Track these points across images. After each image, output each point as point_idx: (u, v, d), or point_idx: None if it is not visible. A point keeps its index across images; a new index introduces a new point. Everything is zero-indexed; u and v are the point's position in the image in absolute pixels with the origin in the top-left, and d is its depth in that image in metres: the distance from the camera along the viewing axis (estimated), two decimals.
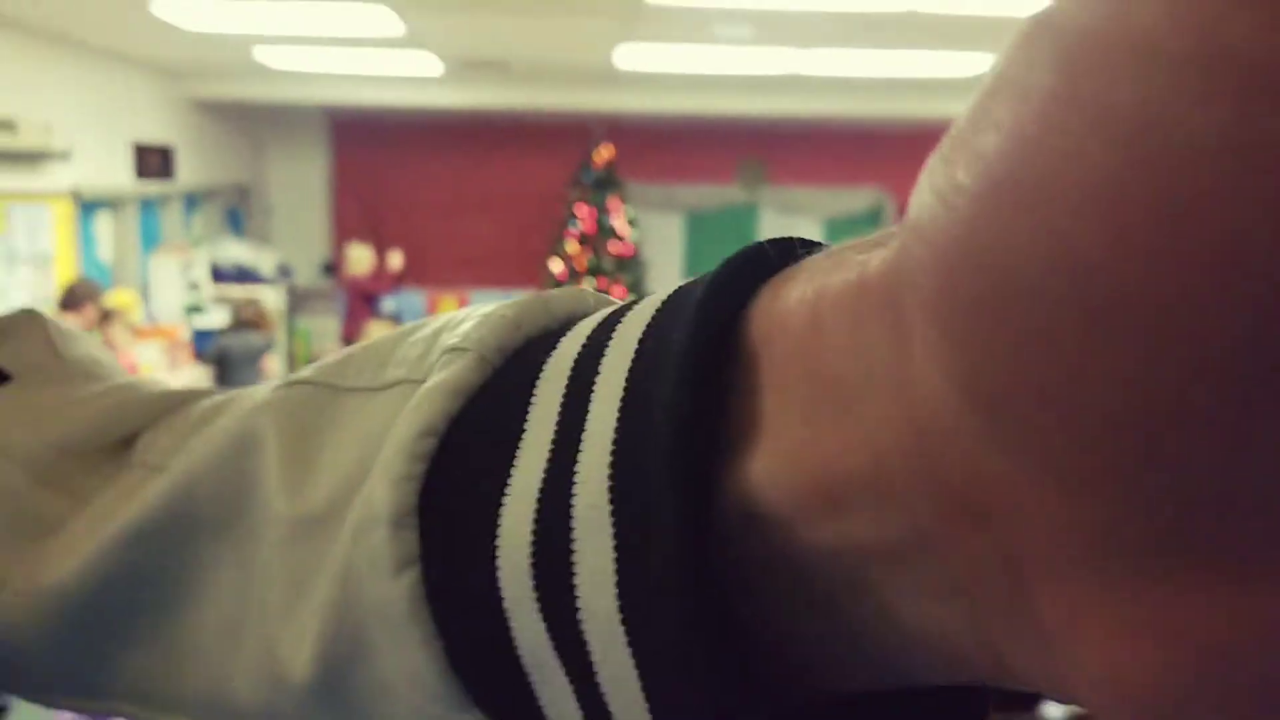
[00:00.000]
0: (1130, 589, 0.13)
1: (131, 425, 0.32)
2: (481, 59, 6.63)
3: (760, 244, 0.20)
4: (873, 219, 9.75)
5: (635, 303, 0.22)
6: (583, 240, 8.94)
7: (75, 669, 0.30)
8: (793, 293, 0.18)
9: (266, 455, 0.25)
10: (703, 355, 0.18)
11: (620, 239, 9.11)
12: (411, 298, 8.54)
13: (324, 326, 8.09)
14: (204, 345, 6.31)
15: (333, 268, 9.22)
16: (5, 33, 5.27)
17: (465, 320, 0.24)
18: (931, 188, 0.14)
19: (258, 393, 0.28)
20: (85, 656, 0.29)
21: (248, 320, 6.00)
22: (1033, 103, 0.13)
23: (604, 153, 8.92)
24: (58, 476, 0.31)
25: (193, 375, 5.94)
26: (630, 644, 0.18)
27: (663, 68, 6.67)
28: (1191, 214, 0.11)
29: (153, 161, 7.12)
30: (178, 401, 0.32)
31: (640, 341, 0.20)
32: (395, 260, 7.56)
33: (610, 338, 0.21)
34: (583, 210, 8.95)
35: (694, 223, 10.02)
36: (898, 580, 0.16)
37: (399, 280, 7.60)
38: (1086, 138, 0.12)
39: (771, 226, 9.98)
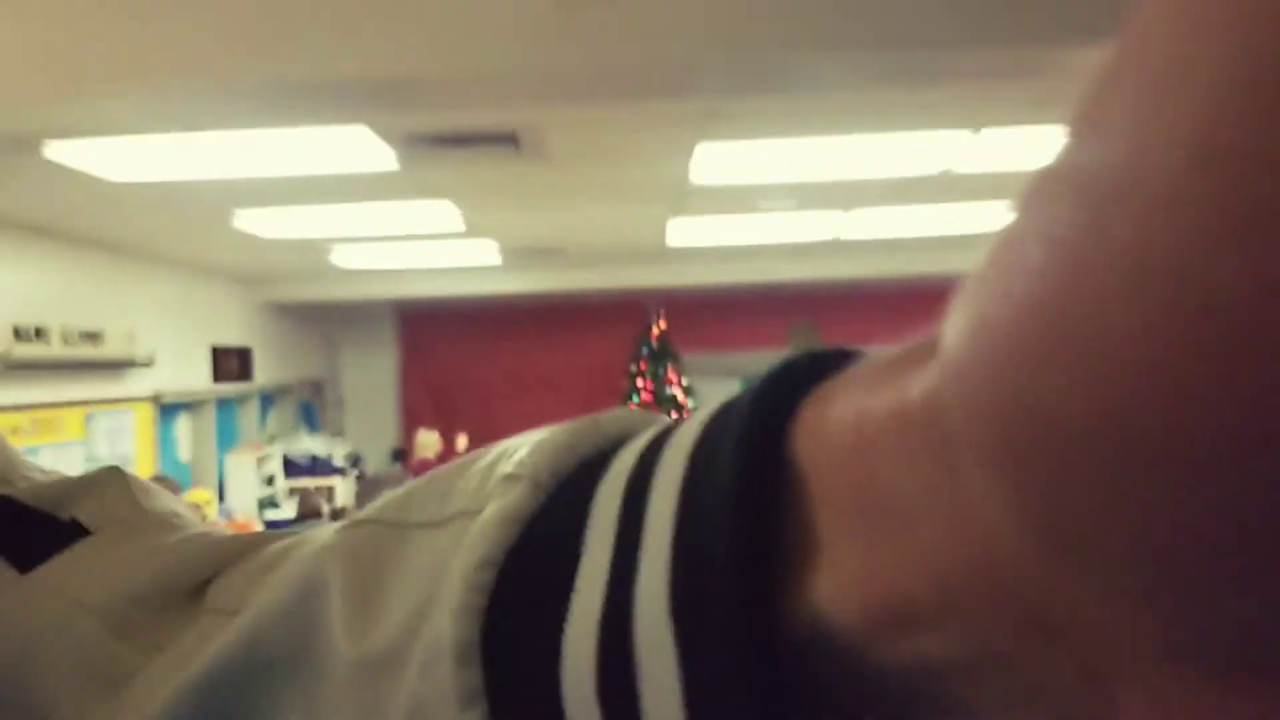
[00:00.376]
0: (1209, 689, 0.13)
1: (204, 571, 0.32)
2: (538, 247, 6.88)
3: (796, 359, 0.20)
4: None
5: (682, 421, 0.22)
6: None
7: None
8: (835, 412, 0.18)
9: (331, 598, 0.26)
10: (751, 474, 0.19)
11: (679, 406, 9.25)
12: None
13: None
14: None
15: (402, 454, 9.40)
16: (91, 251, 5.60)
17: (520, 447, 0.24)
18: (964, 329, 0.14)
19: (324, 534, 0.29)
20: None
21: (309, 513, 6.13)
22: (1060, 250, 0.13)
23: (660, 326, 9.12)
24: (132, 627, 0.32)
25: None
26: None
27: (711, 241, 6.86)
28: (1237, 363, 0.11)
29: (230, 363, 7.42)
30: (249, 546, 0.33)
31: (690, 461, 0.20)
32: (462, 443, 7.69)
33: (660, 459, 0.21)
34: (642, 382, 9.10)
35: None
36: (973, 690, 0.17)
37: None
38: (1118, 287, 0.12)
39: None
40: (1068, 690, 0.15)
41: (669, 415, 0.26)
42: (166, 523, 0.36)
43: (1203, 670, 0.13)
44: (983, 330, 0.14)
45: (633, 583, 0.19)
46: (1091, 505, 0.13)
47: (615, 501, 0.21)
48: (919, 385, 0.16)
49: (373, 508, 0.28)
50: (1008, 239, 0.14)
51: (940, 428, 0.15)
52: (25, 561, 0.34)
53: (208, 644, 0.29)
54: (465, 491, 0.25)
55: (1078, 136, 0.13)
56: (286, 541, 0.32)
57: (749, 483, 0.18)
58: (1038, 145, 4.21)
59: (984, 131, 4.04)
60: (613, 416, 0.24)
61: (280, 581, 0.28)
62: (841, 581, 0.17)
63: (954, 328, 0.15)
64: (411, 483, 0.28)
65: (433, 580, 0.23)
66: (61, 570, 0.34)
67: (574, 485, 0.22)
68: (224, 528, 0.37)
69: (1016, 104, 3.58)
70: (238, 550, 0.33)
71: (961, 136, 4.11)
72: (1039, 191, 0.14)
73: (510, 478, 0.23)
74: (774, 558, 0.18)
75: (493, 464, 0.25)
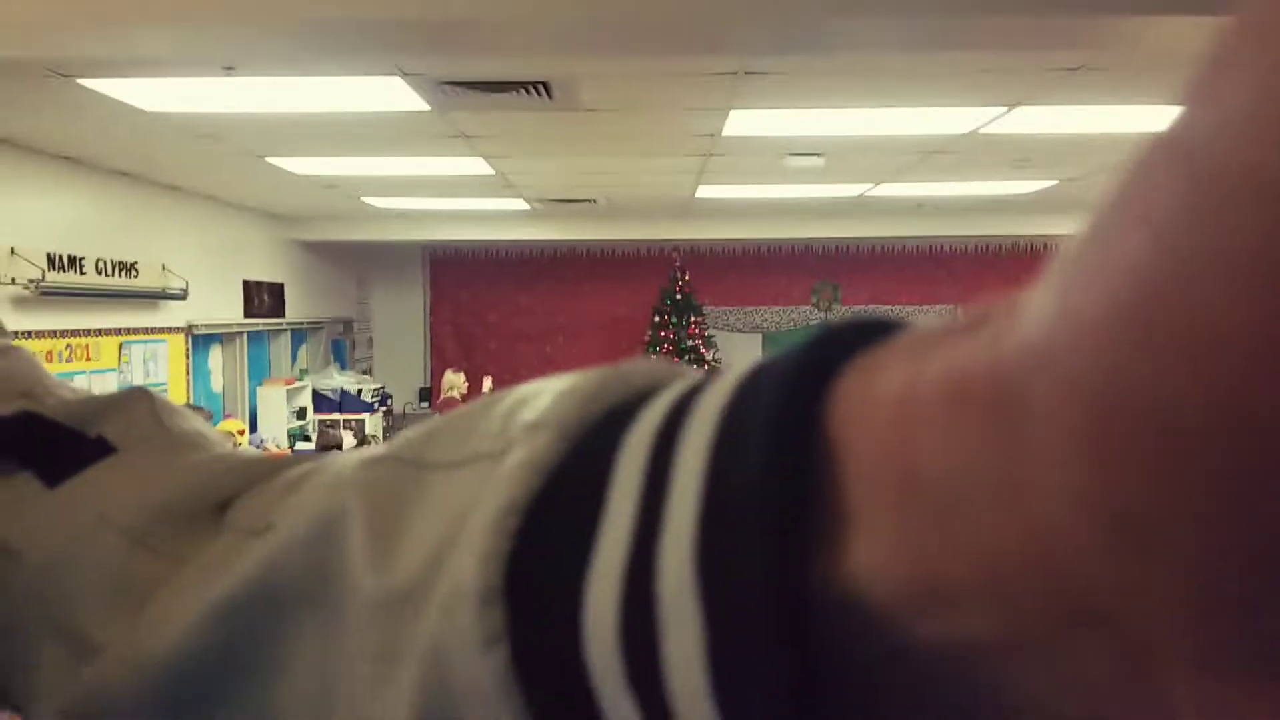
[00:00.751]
0: (1263, 686, 0.13)
1: (229, 490, 0.33)
2: (567, 198, 6.90)
3: (839, 325, 0.20)
4: None
5: (712, 379, 0.22)
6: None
7: None
8: (880, 383, 0.18)
9: (352, 532, 0.26)
10: (788, 439, 0.18)
11: (700, 358, 9.27)
12: None
13: None
14: None
15: (429, 394, 9.52)
16: (127, 183, 5.69)
17: (543, 394, 0.24)
18: (1059, 310, 0.14)
19: (346, 465, 0.29)
20: None
21: (330, 445, 6.25)
22: (1170, 236, 0.12)
23: (684, 279, 9.14)
24: (156, 539, 0.32)
25: None
26: None
27: (738, 198, 6.85)
28: None
29: (262, 298, 7.53)
30: (272, 466, 0.33)
31: (721, 420, 0.20)
32: (487, 385, 7.77)
33: (691, 415, 0.20)
34: (664, 333, 9.13)
35: (771, 342, 10.13)
36: (1014, 673, 0.16)
37: None
38: (1237, 278, 0.12)
39: None
40: (1108, 680, 0.15)
41: (690, 366, 0.26)
42: (191, 441, 0.37)
43: (1262, 675, 0.13)
44: (1082, 314, 0.14)
45: (657, 536, 0.19)
46: (1185, 503, 0.13)
47: (642, 454, 0.21)
48: (983, 360, 0.16)
49: (392, 445, 0.28)
50: (1109, 217, 0.14)
51: (1010, 406, 0.15)
52: (53, 476, 0.35)
53: (230, 565, 0.29)
54: (486, 434, 0.25)
55: (1191, 111, 0.13)
56: (308, 465, 0.32)
57: (785, 446, 0.18)
58: (1072, 117, 4.20)
59: (1018, 109, 4.00)
60: (639, 368, 0.24)
61: (300, 512, 0.28)
62: (878, 556, 0.17)
63: (1044, 307, 0.14)
64: (431, 422, 0.28)
65: (454, 521, 0.23)
66: (88, 485, 0.35)
67: (600, 436, 0.22)
68: (248, 448, 0.43)
69: (1053, 74, 3.55)
70: (261, 470, 0.33)
71: (994, 112, 4.08)
72: (1143, 169, 0.13)
73: (536, 425, 0.23)
74: (805, 525, 0.18)
75: (513, 408, 0.25)
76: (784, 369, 0.19)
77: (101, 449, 0.36)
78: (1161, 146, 0.13)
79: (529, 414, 0.24)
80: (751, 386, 0.20)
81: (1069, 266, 0.14)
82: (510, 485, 0.22)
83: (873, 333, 0.20)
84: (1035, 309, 0.15)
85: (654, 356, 0.26)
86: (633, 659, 0.19)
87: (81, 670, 0.32)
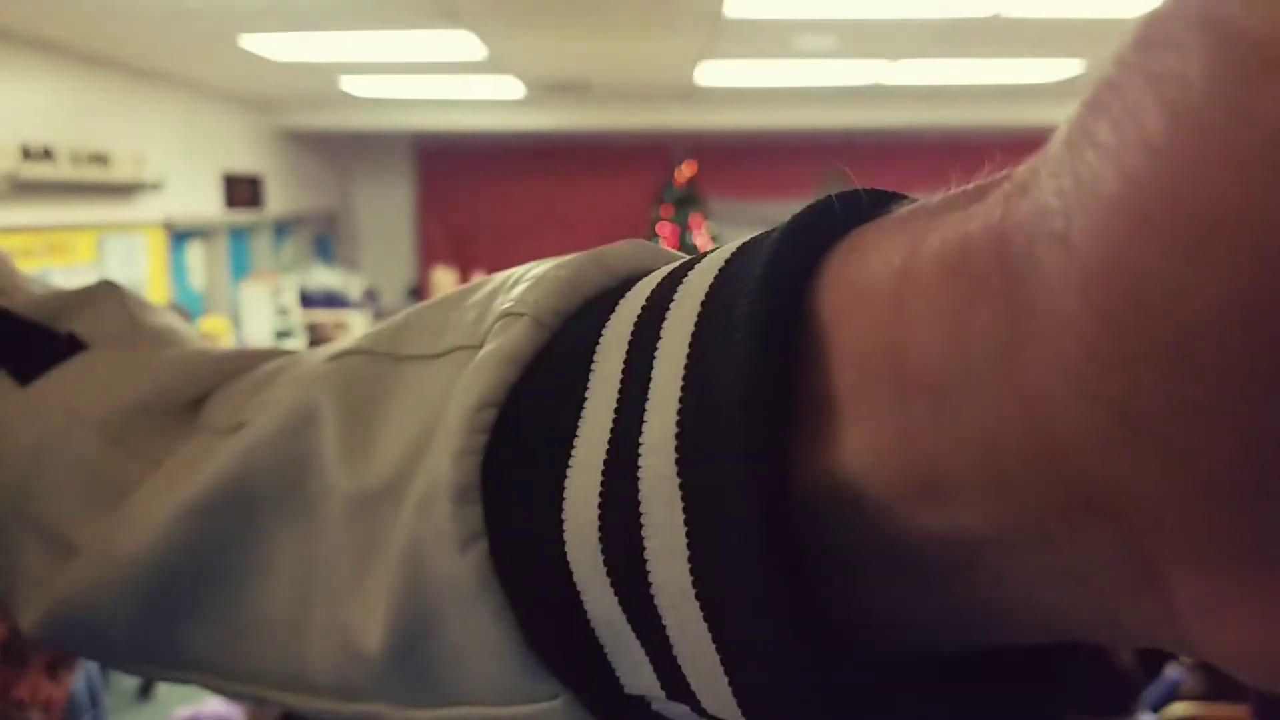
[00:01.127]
0: (1265, 576, 0.13)
1: (202, 386, 0.32)
2: (563, 81, 6.66)
3: (830, 198, 0.18)
4: None
5: (699, 259, 0.20)
6: None
7: (149, 639, 0.30)
8: (871, 260, 0.17)
9: (324, 429, 0.25)
10: (770, 322, 0.17)
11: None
12: None
13: None
14: None
15: (418, 291, 9.35)
16: (97, 70, 5.44)
17: (520, 282, 0.23)
18: (1071, 192, 0.13)
19: (317, 359, 0.28)
20: (158, 626, 0.29)
21: (322, 341, 6.13)
22: (1191, 118, 0.12)
23: (686, 170, 8.91)
24: (129, 437, 0.32)
25: None
26: (706, 617, 0.18)
27: (744, 83, 6.62)
28: None
29: (242, 191, 7.29)
30: (246, 362, 0.32)
31: (704, 304, 0.19)
32: None
33: (672, 300, 0.19)
34: (665, 229, 8.95)
35: None
36: (1010, 564, 0.16)
37: None
38: (1267, 165, 0.11)
39: None
40: (1106, 572, 0.15)
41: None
42: (162, 338, 0.36)
43: (1261, 566, 0.13)
44: (1098, 192, 0.13)
45: (639, 429, 0.19)
46: (1192, 395, 0.12)
47: (623, 343, 0.20)
48: (986, 234, 0.15)
49: (365, 336, 0.27)
50: (1124, 87, 0.12)
51: (1016, 283, 0.14)
52: (24, 373, 0.34)
53: (202, 464, 0.28)
54: (462, 324, 0.24)
55: None
56: (281, 360, 0.31)
57: (767, 332, 0.17)
58: None
59: None
60: (619, 251, 0.23)
61: (271, 409, 0.27)
62: (871, 448, 0.16)
63: (1055, 182, 0.13)
64: (405, 312, 0.27)
65: (429, 415, 0.23)
66: (59, 383, 0.34)
67: (578, 324, 0.21)
68: (220, 343, 0.35)
69: None
70: (234, 365, 0.32)
71: None
72: (1158, 38, 0.12)
73: (510, 314, 0.22)
74: (791, 416, 0.17)
75: (490, 296, 0.24)
76: (770, 249, 0.18)
77: (73, 346, 0.35)
78: (1182, 12, 0.12)
79: (504, 304, 0.23)
80: (737, 269, 0.19)
81: (1079, 141, 0.13)
82: (484, 378, 0.21)
83: (868, 206, 0.19)
84: (1044, 183, 0.14)
85: (640, 241, 0.24)
86: (614, 554, 0.19)
87: (60, 571, 0.31)
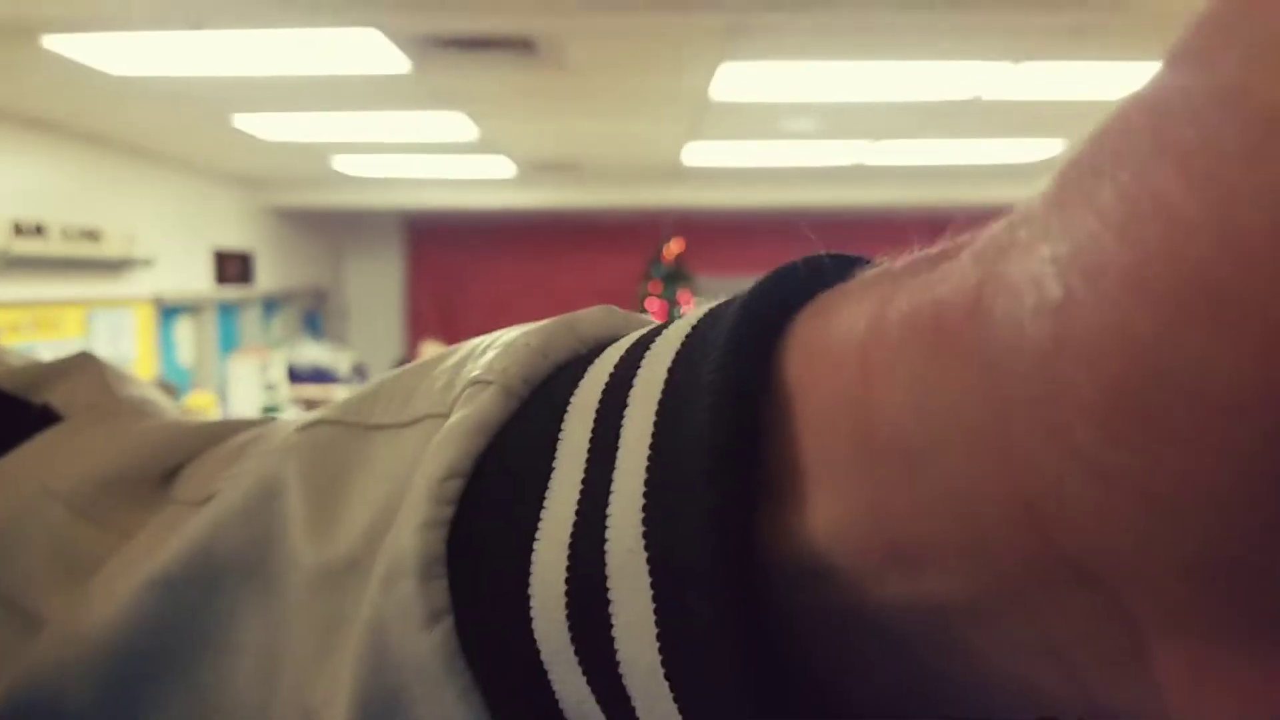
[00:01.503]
0: (1254, 650, 0.13)
1: (175, 458, 0.31)
2: (553, 161, 6.74)
3: (794, 263, 0.18)
4: None
5: (666, 325, 0.20)
6: None
7: (113, 713, 0.29)
8: (836, 323, 0.17)
9: (290, 501, 0.25)
10: (734, 389, 0.17)
11: None
12: None
13: None
14: None
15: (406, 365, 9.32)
16: (91, 147, 5.49)
17: (489, 349, 0.23)
18: (1066, 256, 0.12)
19: (288, 429, 0.27)
20: (122, 700, 0.28)
21: None
22: (1227, 194, 0.11)
23: (674, 247, 8.99)
24: (100, 511, 0.31)
25: None
26: (676, 699, 0.17)
27: (730, 163, 6.71)
28: None
29: (232, 267, 7.32)
30: (221, 433, 0.31)
31: (669, 372, 0.18)
32: None
33: (638, 368, 0.19)
34: (654, 304, 9.00)
35: None
36: (983, 633, 0.15)
37: None
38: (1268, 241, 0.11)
39: None
40: (1089, 640, 0.14)
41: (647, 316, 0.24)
42: (138, 409, 0.35)
43: (1258, 644, 0.13)
44: (1101, 270, 0.12)
45: (605, 503, 0.18)
46: (1204, 474, 0.12)
47: (590, 412, 0.19)
48: (957, 303, 0.14)
49: (334, 406, 0.26)
50: (1124, 159, 0.12)
51: (996, 354, 0.14)
52: None
53: (169, 538, 0.28)
54: (430, 393, 0.23)
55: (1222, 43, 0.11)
56: (255, 430, 0.31)
57: (732, 400, 0.17)
58: (1076, 78, 4.09)
59: (1024, 64, 3.88)
60: (589, 318, 0.23)
61: (239, 481, 0.27)
62: (838, 516, 0.16)
63: (1046, 254, 0.13)
64: (373, 381, 0.26)
65: (396, 486, 0.22)
66: (31, 455, 0.34)
67: (547, 392, 0.21)
68: (197, 415, 0.35)
69: (1055, 34, 3.42)
70: (207, 437, 0.32)
71: (1000, 68, 3.96)
72: (1174, 105, 0.12)
73: (478, 382, 0.22)
74: (759, 485, 0.17)
75: (459, 364, 0.23)
76: (734, 315, 0.18)
77: (47, 417, 0.35)
78: (1203, 74, 0.12)
79: (473, 371, 0.22)
80: (703, 333, 0.19)
81: (1074, 206, 0.13)
82: (450, 448, 0.21)
83: (832, 271, 0.19)
84: (1032, 248, 0.13)
85: (611, 307, 0.24)
86: (582, 631, 0.18)
87: (24, 646, 0.30)
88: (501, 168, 6.88)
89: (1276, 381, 0.11)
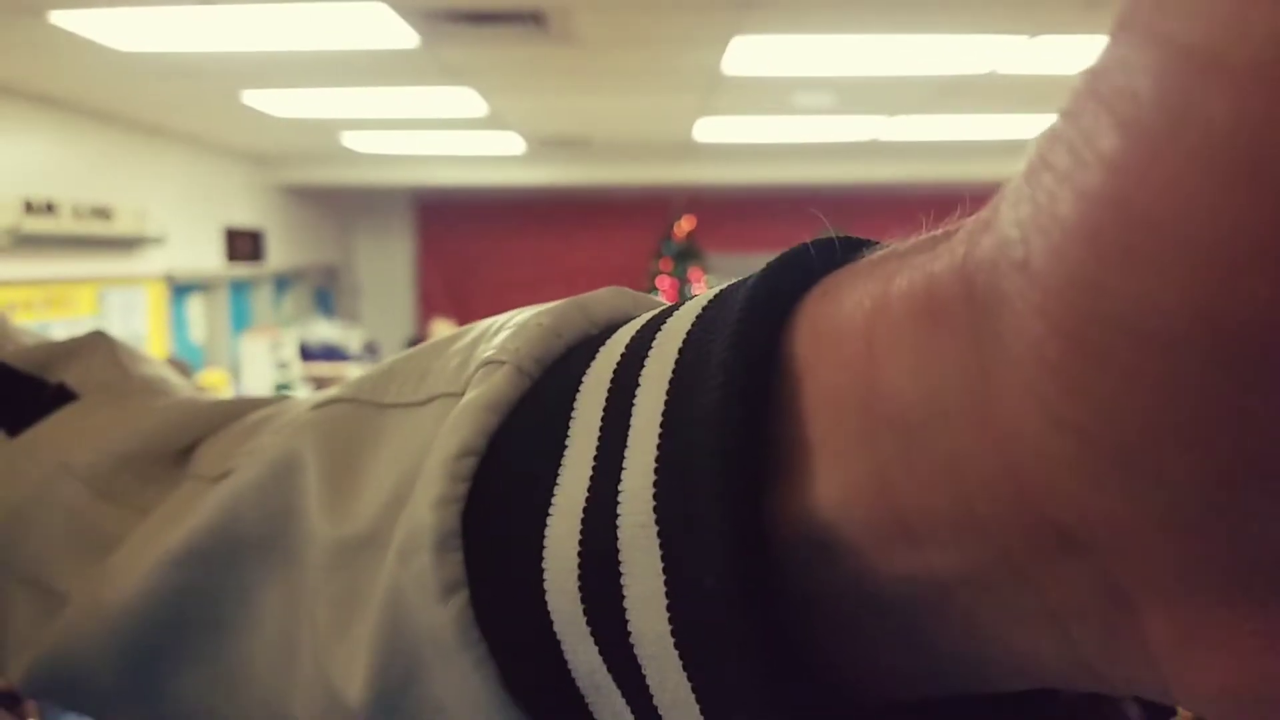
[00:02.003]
0: (1241, 610, 0.13)
1: (191, 435, 0.32)
2: (563, 137, 6.72)
3: (804, 246, 0.19)
4: None
5: (678, 306, 0.21)
6: None
7: (135, 688, 0.30)
8: (843, 303, 0.17)
9: (307, 477, 0.25)
10: (745, 368, 0.17)
11: None
12: None
13: None
14: None
15: (417, 343, 9.32)
16: (101, 125, 5.49)
17: (502, 329, 0.23)
18: (1028, 220, 0.13)
19: (303, 406, 0.28)
20: (144, 675, 0.29)
21: None
22: (1139, 131, 0.12)
23: (685, 225, 8.96)
24: (118, 489, 0.32)
25: None
26: (685, 667, 0.18)
27: (742, 138, 6.68)
28: None
29: (243, 245, 7.33)
30: (235, 411, 0.32)
31: (680, 351, 0.19)
32: None
33: (650, 348, 0.20)
34: (665, 282, 8.98)
35: None
36: (984, 605, 0.16)
37: None
38: (1216, 174, 0.11)
39: None
40: (1085, 608, 0.14)
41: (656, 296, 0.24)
42: (152, 387, 0.36)
43: (1242, 597, 0.13)
44: (1054, 214, 0.13)
45: (618, 478, 0.19)
46: (1158, 414, 0.12)
47: (602, 390, 0.20)
48: (950, 270, 0.15)
49: (348, 385, 0.27)
50: (1075, 119, 0.13)
51: (981, 315, 0.14)
52: (14, 425, 0.35)
53: (187, 513, 0.28)
54: (444, 372, 0.24)
55: (1157, 4, 0.12)
56: (269, 409, 0.31)
57: (742, 378, 0.17)
58: (1091, 50, 4.03)
59: (1039, 37, 3.84)
60: (600, 299, 0.23)
61: (256, 457, 0.27)
62: (842, 490, 0.16)
63: (1013, 212, 0.14)
64: (388, 360, 0.27)
65: (411, 463, 0.23)
66: (48, 434, 0.34)
67: (559, 372, 0.22)
68: (210, 393, 0.35)
69: (1070, 6, 3.38)
70: (223, 414, 0.33)
71: (1015, 41, 3.92)
72: (1110, 62, 0.12)
73: (492, 362, 0.22)
74: (767, 460, 0.17)
75: (472, 344, 0.24)
76: (745, 294, 0.19)
77: (62, 396, 0.35)
78: (1128, 43, 0.12)
79: (486, 351, 0.23)
80: (713, 315, 0.19)
81: (1036, 170, 0.13)
82: (464, 426, 0.21)
83: (842, 252, 0.19)
84: (1004, 215, 0.14)
85: (622, 288, 0.25)
86: (594, 603, 0.19)
87: (47, 622, 0.31)
88: (511, 144, 6.87)
89: (1202, 312, 0.11)
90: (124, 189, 5.64)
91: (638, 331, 0.21)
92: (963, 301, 0.15)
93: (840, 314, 0.17)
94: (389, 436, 0.25)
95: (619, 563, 0.18)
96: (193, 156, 6.55)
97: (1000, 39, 3.92)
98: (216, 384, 5.85)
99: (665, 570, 0.18)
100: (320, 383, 6.61)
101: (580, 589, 0.19)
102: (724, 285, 0.20)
